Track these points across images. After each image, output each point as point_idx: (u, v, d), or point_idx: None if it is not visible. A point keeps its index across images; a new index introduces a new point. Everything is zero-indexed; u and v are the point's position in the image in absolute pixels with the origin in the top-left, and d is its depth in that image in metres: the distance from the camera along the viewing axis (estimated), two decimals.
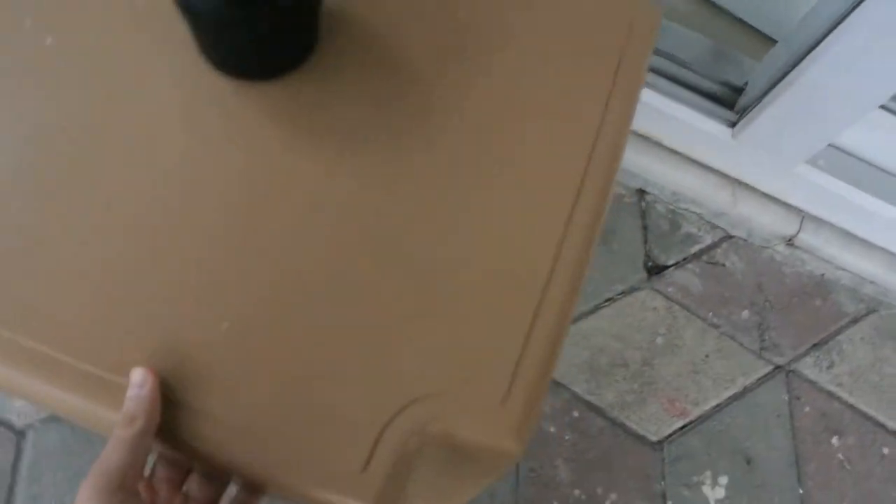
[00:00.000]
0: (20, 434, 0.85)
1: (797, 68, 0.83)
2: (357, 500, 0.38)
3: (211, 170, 0.43)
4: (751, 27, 1.09)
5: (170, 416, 0.37)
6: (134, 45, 0.45)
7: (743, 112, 0.93)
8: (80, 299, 0.39)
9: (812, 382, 1.03)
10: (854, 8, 0.73)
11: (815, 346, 1.05)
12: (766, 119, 0.89)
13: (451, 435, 0.41)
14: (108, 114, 0.43)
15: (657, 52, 0.95)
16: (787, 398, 1.01)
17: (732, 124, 0.94)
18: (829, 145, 0.95)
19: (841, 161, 0.96)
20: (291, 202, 0.43)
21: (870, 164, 0.95)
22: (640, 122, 0.99)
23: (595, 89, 0.50)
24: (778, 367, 1.02)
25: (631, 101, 0.50)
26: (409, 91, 0.47)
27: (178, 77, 0.45)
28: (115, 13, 0.46)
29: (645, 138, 1.00)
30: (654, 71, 0.95)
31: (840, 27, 0.75)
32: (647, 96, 0.95)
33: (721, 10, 1.10)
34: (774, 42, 0.90)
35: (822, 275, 1.08)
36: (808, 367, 1.03)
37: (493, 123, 0.48)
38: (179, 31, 0.43)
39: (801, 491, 0.97)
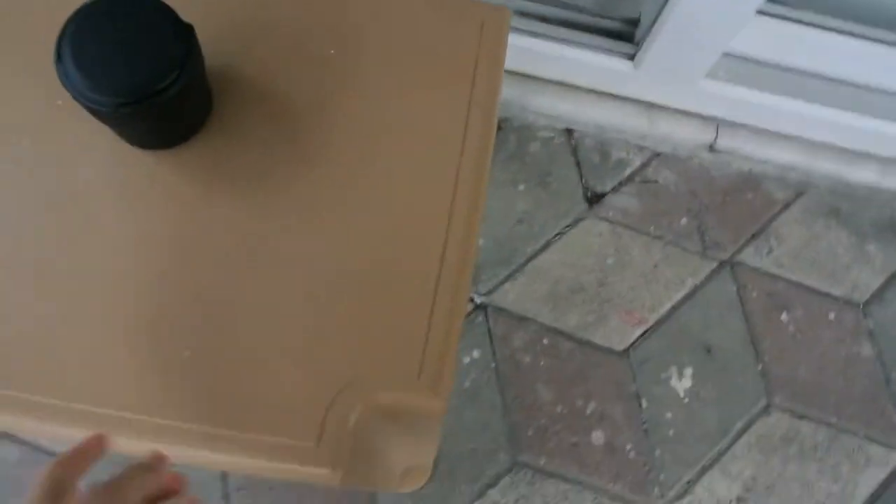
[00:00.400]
0: None
1: None
2: (317, 467, 0.51)
3: (147, 226, 0.54)
4: None
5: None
6: (66, 139, 0.56)
7: (640, 42, 1.03)
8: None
9: (755, 269, 1.14)
10: None
11: (753, 236, 1.15)
12: (662, 44, 0.99)
13: (382, 407, 0.53)
14: (62, 202, 0.54)
15: (555, 3, 1.04)
16: (734, 288, 1.12)
17: (632, 56, 1.04)
18: (724, 55, 1.04)
19: (737, 67, 1.05)
20: (213, 239, 0.54)
21: (762, 64, 1.04)
22: (553, 70, 1.08)
23: (456, 98, 0.60)
24: (722, 263, 1.13)
25: (491, 102, 0.61)
26: (292, 131, 0.58)
27: (108, 158, 0.56)
28: (45, 115, 0.57)
29: (560, 84, 1.10)
30: (556, 20, 1.04)
31: None
32: (553, 47, 1.04)
33: None
34: None
35: (749, 170, 1.18)
36: (749, 257, 1.14)
37: (371, 139, 0.58)
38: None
39: (759, 367, 1.09)
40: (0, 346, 0.51)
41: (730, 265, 1.13)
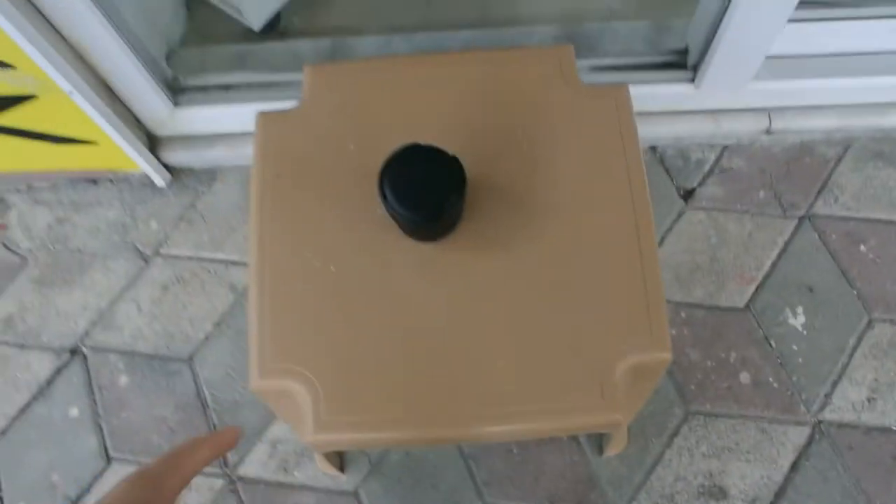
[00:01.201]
0: None
1: (719, 17, 1.20)
2: (607, 415, 0.79)
3: (437, 290, 0.84)
4: None
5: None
6: (375, 237, 0.86)
7: (695, 66, 1.32)
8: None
9: (828, 216, 1.41)
10: None
11: (819, 191, 1.43)
12: (715, 64, 1.27)
13: (638, 366, 0.81)
14: (377, 279, 0.85)
15: (614, 54, 1.33)
16: (816, 235, 1.40)
17: (692, 79, 1.33)
18: (766, 58, 1.32)
19: (777, 65, 1.33)
20: (457, 306, 0.83)
21: (796, 57, 1.33)
22: (635, 105, 1.38)
23: (614, 159, 0.90)
24: (801, 218, 1.41)
25: (637, 155, 0.90)
26: (513, 218, 0.87)
27: (398, 247, 0.86)
28: (360, 224, 0.87)
29: (639, 113, 1.39)
30: (625, 67, 1.34)
31: None
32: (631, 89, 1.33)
33: None
34: None
35: (801, 141, 1.46)
36: (821, 208, 1.41)
37: (567, 210, 0.88)
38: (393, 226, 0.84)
39: (854, 292, 1.36)
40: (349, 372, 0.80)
41: (808, 218, 1.41)
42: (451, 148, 0.81)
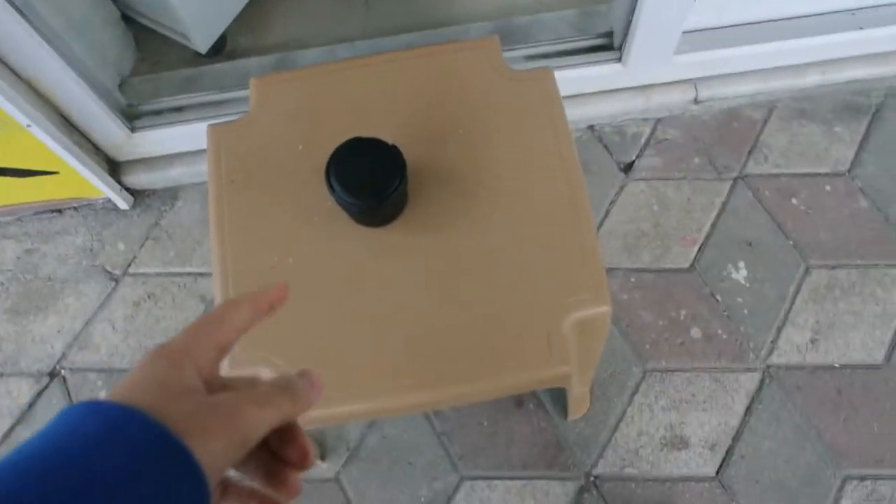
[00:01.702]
0: None
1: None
2: (555, 368, 0.87)
3: (392, 271, 0.92)
4: None
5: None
6: (328, 228, 0.94)
7: (621, 47, 1.41)
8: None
9: (760, 175, 1.51)
10: None
11: (749, 152, 1.53)
12: (637, 44, 1.37)
13: (583, 321, 0.89)
14: (334, 265, 0.92)
15: (545, 42, 1.43)
16: (750, 193, 1.50)
17: (618, 59, 1.42)
18: (683, 33, 1.42)
19: (694, 38, 1.43)
20: (411, 282, 0.92)
21: (711, 29, 1.43)
22: (566, 88, 1.46)
23: (547, 144, 0.98)
24: (735, 179, 1.51)
25: (566, 128, 0.98)
26: (452, 196, 0.96)
27: (350, 234, 0.93)
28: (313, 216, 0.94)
29: (574, 96, 1.48)
30: (556, 54, 1.43)
31: None
32: (562, 72, 1.41)
33: None
34: None
35: (728, 107, 1.56)
36: (753, 168, 1.52)
37: (505, 181, 0.96)
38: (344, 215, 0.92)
39: (790, 242, 1.46)
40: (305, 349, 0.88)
41: (741, 179, 1.51)
42: (392, 139, 0.89)
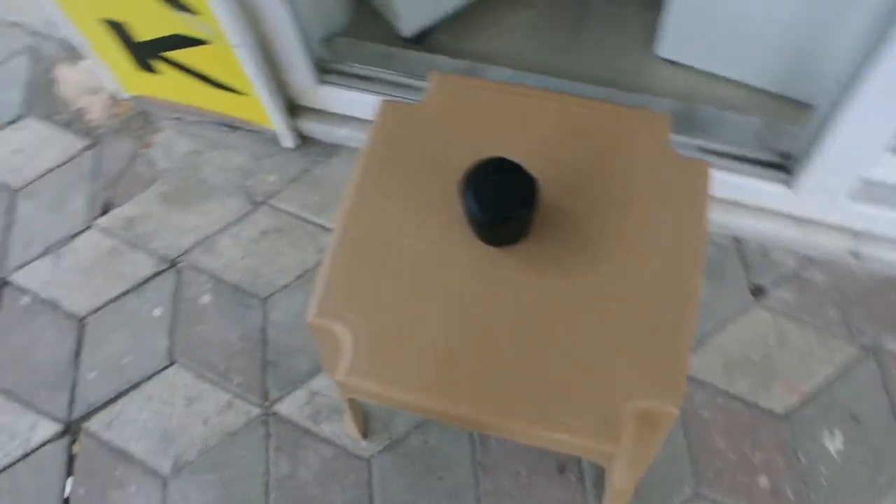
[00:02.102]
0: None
1: (825, 130, 1.26)
2: (601, 440, 0.87)
3: (489, 289, 0.95)
4: (788, 99, 1.54)
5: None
6: (449, 230, 0.99)
7: (795, 172, 1.38)
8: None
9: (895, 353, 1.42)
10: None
11: (893, 328, 1.44)
12: (811, 173, 1.34)
13: (646, 412, 0.89)
14: (440, 264, 0.97)
15: (722, 140, 1.42)
16: (877, 368, 1.41)
17: (788, 183, 1.39)
18: (863, 181, 1.36)
19: (874, 190, 1.37)
20: (504, 304, 0.94)
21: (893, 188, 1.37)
22: (723, 191, 1.45)
23: (679, 231, 0.99)
24: (866, 347, 1.43)
25: (702, 228, 0.99)
26: (581, 239, 0.98)
27: (465, 243, 0.98)
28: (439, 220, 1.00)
29: (730, 202, 1.46)
30: (727, 155, 1.42)
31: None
32: (726, 175, 1.41)
33: (762, 91, 1.56)
34: (810, 107, 1.33)
35: (888, 275, 1.48)
36: (891, 344, 1.43)
37: (628, 243, 0.97)
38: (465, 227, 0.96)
39: None
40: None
41: (873, 350, 1.42)
42: (536, 171, 0.94)
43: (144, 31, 1.40)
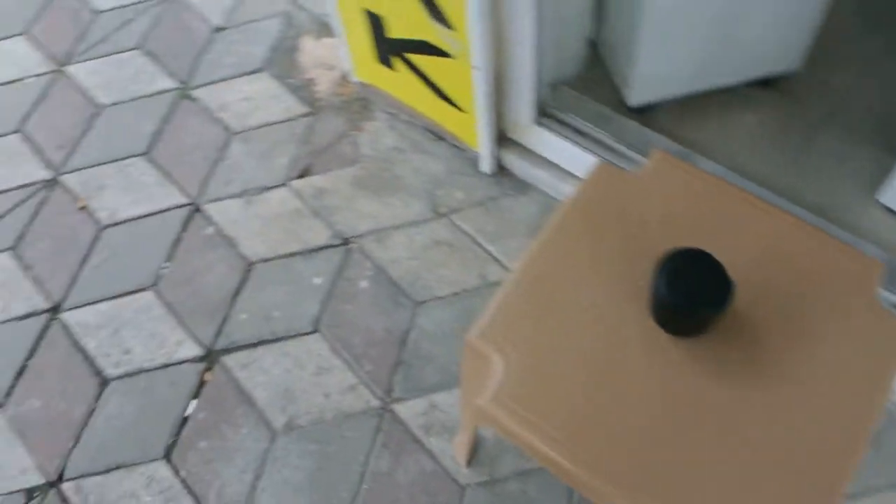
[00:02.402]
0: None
1: None
2: None
3: (652, 371, 0.95)
4: None
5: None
6: (628, 304, 1.00)
7: None
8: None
9: None
10: None
11: None
12: None
13: None
14: (610, 333, 0.98)
15: None
16: None
17: None
18: None
19: None
20: (668, 392, 0.93)
21: None
22: None
23: (864, 381, 0.95)
24: None
25: (888, 387, 0.95)
26: (764, 342, 0.96)
27: (642, 322, 0.98)
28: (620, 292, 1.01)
29: None
30: None
31: None
32: None
33: None
34: None
35: None
36: None
37: (811, 357, 0.95)
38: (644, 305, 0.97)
39: None
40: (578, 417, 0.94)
41: None
42: (731, 270, 0.93)
43: (398, 30, 1.51)
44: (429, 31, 1.43)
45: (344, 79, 1.88)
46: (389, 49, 1.58)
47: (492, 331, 1.01)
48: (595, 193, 1.13)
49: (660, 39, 1.52)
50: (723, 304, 0.92)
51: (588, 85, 1.79)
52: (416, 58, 1.54)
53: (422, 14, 1.40)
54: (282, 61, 1.96)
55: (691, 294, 0.93)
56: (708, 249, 0.95)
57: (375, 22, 1.54)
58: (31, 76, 2.04)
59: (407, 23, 1.48)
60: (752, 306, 1.01)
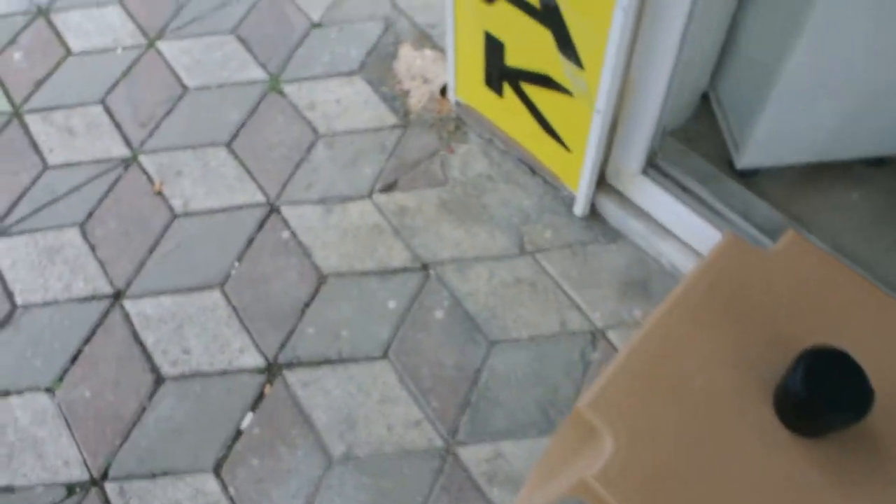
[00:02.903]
0: None
1: None
2: None
3: (770, 470, 0.88)
4: None
5: None
6: (749, 393, 0.93)
7: None
8: None
9: None
10: None
11: None
12: None
13: None
14: (727, 422, 0.91)
15: None
16: None
17: None
18: None
19: None
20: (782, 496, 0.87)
21: None
22: None
23: None
24: None
25: None
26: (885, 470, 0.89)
27: (762, 415, 0.92)
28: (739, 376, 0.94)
29: None
30: None
31: None
32: None
33: None
34: None
35: None
36: None
37: None
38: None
39: None
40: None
41: None
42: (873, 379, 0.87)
43: (519, 59, 1.45)
44: (554, 66, 1.36)
45: (440, 95, 1.83)
46: (503, 75, 1.52)
47: (604, 403, 0.96)
48: (722, 268, 1.07)
49: (790, 105, 1.44)
50: (862, 413, 0.86)
51: (692, 137, 1.72)
52: (530, 89, 1.48)
53: (551, 48, 1.34)
54: (377, 67, 1.91)
55: (830, 397, 0.87)
56: (841, 346, 0.89)
57: (494, 46, 1.48)
58: (120, 47, 2.01)
59: (531, 54, 1.41)
60: (882, 413, 0.94)
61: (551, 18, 1.29)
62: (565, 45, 1.30)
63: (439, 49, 1.91)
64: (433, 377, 1.48)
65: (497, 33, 1.44)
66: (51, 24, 2.06)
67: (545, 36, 1.33)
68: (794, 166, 1.62)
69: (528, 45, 1.40)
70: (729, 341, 1.00)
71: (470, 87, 1.66)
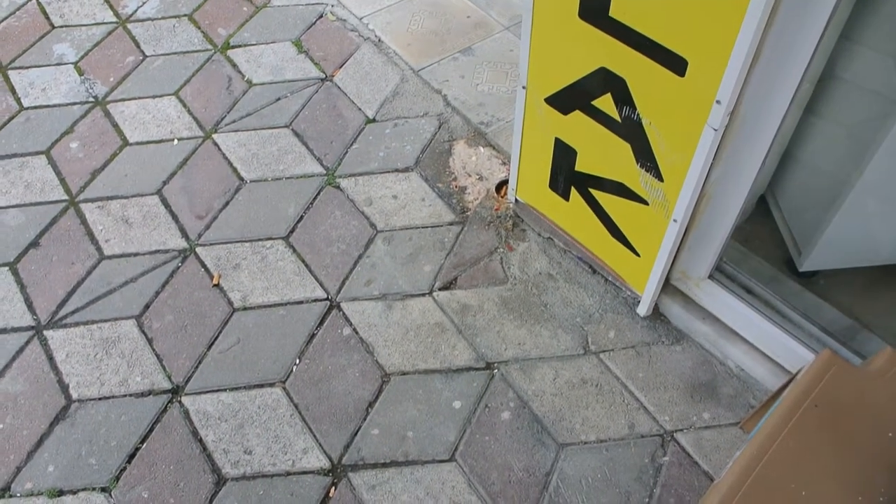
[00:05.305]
0: None
1: None
2: None
3: None
4: None
5: None
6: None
7: None
8: None
9: None
10: None
11: None
12: None
13: None
14: None
15: None
16: None
17: None
18: None
19: None
20: None
21: None
22: None
23: None
24: None
25: None
26: None
27: None
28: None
29: None
30: None
31: None
32: None
33: None
34: None
35: None
36: None
37: None
38: None
39: None
40: None
41: None
42: None
43: (592, 166, 1.50)
44: (631, 175, 1.41)
45: (496, 192, 1.88)
46: (573, 181, 1.57)
47: None
48: (823, 388, 1.09)
49: (858, 215, 1.49)
50: None
51: (748, 238, 1.76)
52: (601, 195, 1.52)
53: (629, 159, 1.38)
54: (433, 163, 1.96)
55: None
56: None
57: (565, 152, 1.52)
58: (177, 138, 2.06)
59: (606, 163, 1.46)
60: None
61: (633, 133, 1.34)
62: (645, 158, 1.35)
63: (493, 146, 1.97)
64: (502, 481, 1.46)
65: (570, 140, 1.49)
66: (108, 114, 2.11)
67: (623, 147, 1.38)
68: (853, 269, 1.66)
69: (604, 155, 1.44)
70: (840, 463, 1.01)
71: (532, 188, 1.70)
